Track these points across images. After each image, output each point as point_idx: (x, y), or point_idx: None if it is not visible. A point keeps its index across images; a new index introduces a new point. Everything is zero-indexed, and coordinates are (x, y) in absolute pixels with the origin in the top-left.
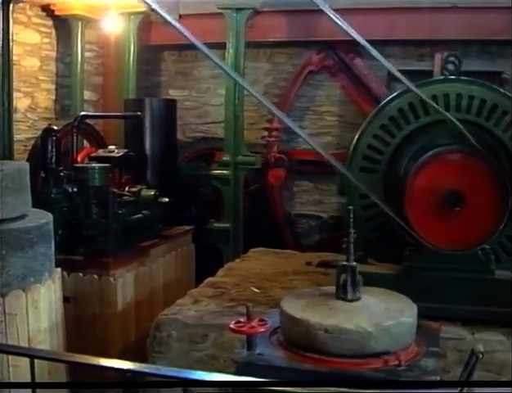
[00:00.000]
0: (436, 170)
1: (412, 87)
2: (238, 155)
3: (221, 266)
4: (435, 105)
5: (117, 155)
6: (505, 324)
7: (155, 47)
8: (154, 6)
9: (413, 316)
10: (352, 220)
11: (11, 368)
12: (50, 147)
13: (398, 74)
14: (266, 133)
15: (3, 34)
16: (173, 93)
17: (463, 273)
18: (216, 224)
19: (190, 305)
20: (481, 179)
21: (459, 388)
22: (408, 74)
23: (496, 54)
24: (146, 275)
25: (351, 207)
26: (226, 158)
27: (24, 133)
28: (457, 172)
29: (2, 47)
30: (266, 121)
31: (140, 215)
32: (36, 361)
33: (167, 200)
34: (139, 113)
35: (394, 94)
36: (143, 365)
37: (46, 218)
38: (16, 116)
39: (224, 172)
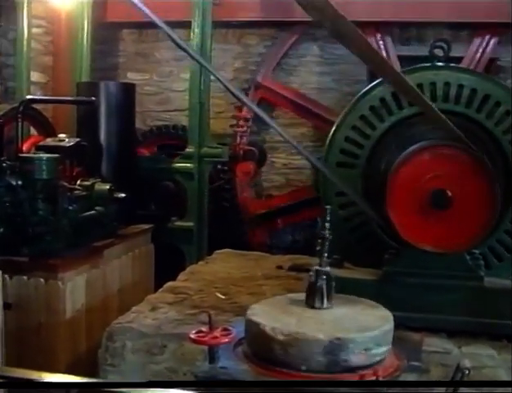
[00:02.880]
0: (420, 167)
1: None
2: (203, 146)
3: (183, 269)
4: (420, 93)
5: (68, 144)
6: (495, 337)
7: (112, 24)
8: None
9: (391, 327)
10: (327, 220)
11: None
12: None
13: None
14: (234, 123)
15: None
16: (132, 77)
17: (449, 279)
18: (178, 223)
19: (147, 313)
20: (470, 177)
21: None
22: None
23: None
24: (99, 279)
25: (328, 207)
26: (190, 150)
27: None
28: (444, 169)
29: None
30: (235, 108)
31: (93, 212)
32: None
33: (123, 195)
34: (93, 98)
35: (376, 82)
36: (93, 380)
37: None
38: None
39: (188, 165)
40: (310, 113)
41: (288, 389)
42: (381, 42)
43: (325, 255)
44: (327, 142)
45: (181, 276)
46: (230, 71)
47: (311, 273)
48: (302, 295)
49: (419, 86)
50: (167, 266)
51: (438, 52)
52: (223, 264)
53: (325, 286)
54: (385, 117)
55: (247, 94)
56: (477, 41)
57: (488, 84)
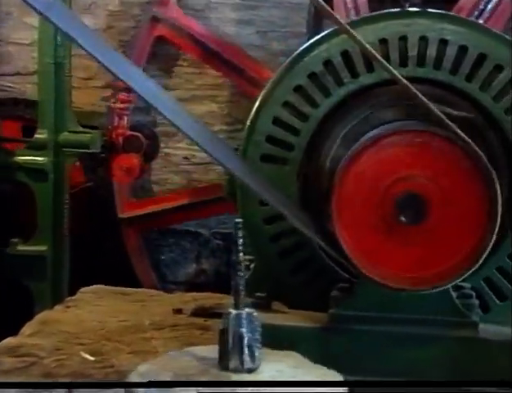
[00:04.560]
0: (382, 163)
1: (345, 25)
2: (62, 130)
3: (30, 318)
4: (379, 57)
5: None
6: None
7: None
8: None
9: None
10: (239, 240)
11: None
12: None
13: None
14: (110, 95)
15: None
16: None
17: (426, 327)
18: (22, 247)
19: None
20: (456, 178)
21: None
22: None
23: None
24: None
25: (238, 220)
26: (40, 136)
27: None
28: (418, 166)
29: None
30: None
31: None
32: None
33: None
34: None
35: (318, 37)
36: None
37: None
38: None
39: (37, 159)
40: (232, 68)
41: None
42: None
43: (243, 292)
44: (247, 124)
45: (27, 328)
46: (102, 17)
47: (224, 319)
48: (211, 352)
49: (383, 42)
50: (4, 313)
51: None
52: (93, 307)
53: (245, 339)
54: (332, 89)
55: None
56: None
57: (485, 39)
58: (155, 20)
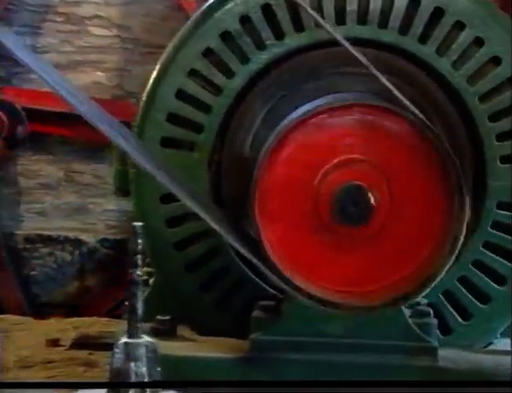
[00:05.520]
0: (316, 145)
1: None
2: None
3: None
4: (311, 10)
5: None
6: None
7: None
8: None
9: None
10: (139, 249)
11: None
12: None
13: None
14: None
15: None
16: None
17: (373, 355)
18: None
19: None
20: (410, 165)
21: None
22: None
23: None
24: None
25: (137, 224)
26: None
27: None
28: (360, 149)
29: None
30: None
31: None
32: None
33: None
34: None
35: None
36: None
37: None
38: None
39: None
40: None
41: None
42: None
43: (139, 315)
44: (143, 99)
45: None
46: None
47: (115, 351)
48: None
49: None
50: None
51: None
52: None
53: (141, 376)
54: (251, 53)
55: None
56: None
57: None
58: None
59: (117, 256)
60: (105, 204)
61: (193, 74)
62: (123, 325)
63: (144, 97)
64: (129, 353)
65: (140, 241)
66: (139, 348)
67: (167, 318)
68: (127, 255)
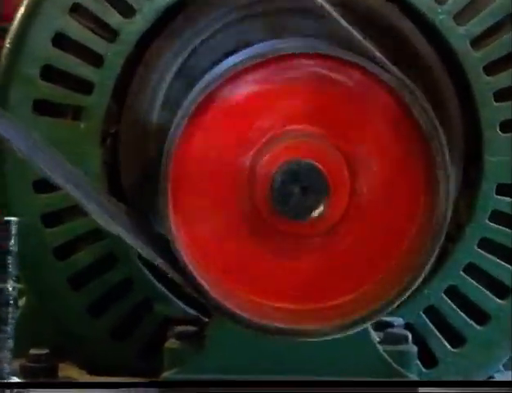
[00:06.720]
0: (248, 112)
1: None
2: None
3: None
4: None
5: None
6: None
7: None
8: None
9: None
10: (9, 258)
11: None
12: None
13: None
14: None
15: None
16: None
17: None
18: None
19: None
20: (378, 136)
21: None
22: None
23: None
24: None
25: (11, 219)
26: None
27: None
28: (309, 118)
29: None
30: None
31: None
32: None
33: None
34: None
35: None
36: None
37: None
38: None
39: None
40: None
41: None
42: None
43: (7, 349)
44: (6, 45)
45: None
46: None
47: None
48: None
49: None
50: None
51: None
52: None
53: None
54: None
55: None
56: None
57: None
58: None
59: None
60: None
61: (76, 10)
62: None
63: (7, 42)
64: None
65: (13, 242)
66: None
67: (44, 352)
68: None
